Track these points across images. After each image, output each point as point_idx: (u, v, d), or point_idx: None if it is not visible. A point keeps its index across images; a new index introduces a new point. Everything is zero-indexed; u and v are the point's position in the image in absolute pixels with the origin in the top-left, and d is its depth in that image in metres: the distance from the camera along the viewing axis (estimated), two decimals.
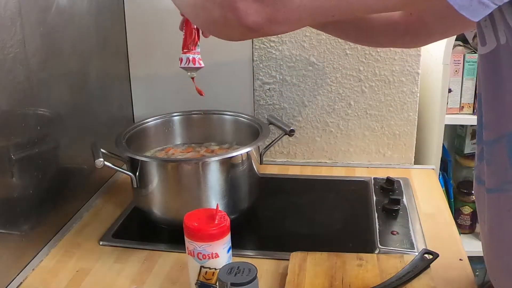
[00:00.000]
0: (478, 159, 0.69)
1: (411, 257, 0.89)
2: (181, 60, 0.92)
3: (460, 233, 1.06)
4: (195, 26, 0.89)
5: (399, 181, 1.20)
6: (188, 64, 0.90)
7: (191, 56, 0.90)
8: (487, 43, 0.61)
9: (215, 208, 0.82)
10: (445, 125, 1.45)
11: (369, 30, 0.89)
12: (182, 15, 0.90)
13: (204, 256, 0.79)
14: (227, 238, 0.81)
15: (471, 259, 0.97)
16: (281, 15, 0.57)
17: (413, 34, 0.87)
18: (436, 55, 1.38)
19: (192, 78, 0.95)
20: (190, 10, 0.69)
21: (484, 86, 0.64)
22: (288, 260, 0.90)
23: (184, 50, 0.90)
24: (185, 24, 0.90)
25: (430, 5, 0.76)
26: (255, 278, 0.72)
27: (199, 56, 0.91)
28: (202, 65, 0.92)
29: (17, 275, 0.91)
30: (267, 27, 0.58)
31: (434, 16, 0.81)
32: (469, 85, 1.59)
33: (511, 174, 0.61)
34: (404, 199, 1.13)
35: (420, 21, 0.84)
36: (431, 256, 0.89)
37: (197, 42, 0.90)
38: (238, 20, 0.57)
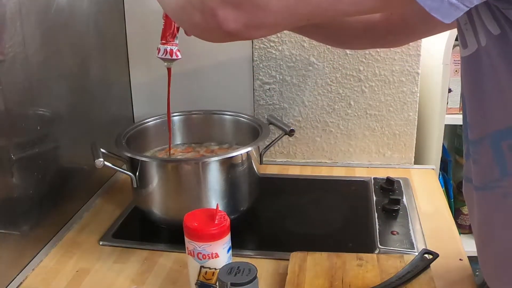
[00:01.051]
0: (465, 157, 0.70)
1: (411, 257, 0.89)
2: (158, 50, 0.93)
3: (460, 233, 1.06)
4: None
5: (399, 181, 1.20)
6: (165, 55, 0.92)
7: (168, 48, 0.92)
8: (468, 45, 0.61)
9: (215, 208, 0.82)
10: (445, 125, 1.45)
11: (348, 32, 0.90)
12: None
13: (204, 256, 0.79)
14: (227, 238, 0.81)
15: (471, 259, 0.97)
16: (258, 21, 0.60)
17: (395, 34, 0.87)
18: (436, 55, 1.38)
19: (168, 68, 0.96)
20: (173, 13, 0.72)
21: (466, 88, 0.65)
22: (288, 260, 0.90)
23: (162, 41, 0.92)
24: (165, 16, 0.91)
25: (402, 8, 0.76)
26: (255, 278, 0.72)
27: (176, 48, 0.93)
28: (179, 56, 0.94)
29: (17, 275, 0.91)
30: (246, 32, 0.61)
31: (416, 17, 0.82)
32: None
33: (496, 172, 0.62)
34: (404, 199, 1.13)
35: (402, 21, 0.84)
36: (431, 256, 0.89)
37: (175, 34, 0.91)
38: (217, 26, 0.61)
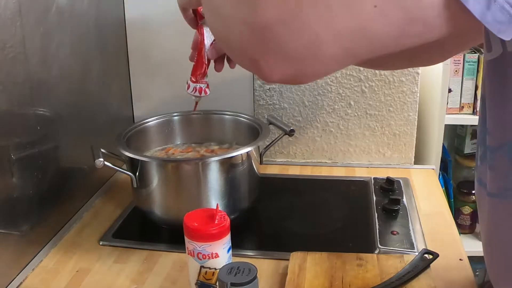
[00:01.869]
0: (480, 160, 0.69)
1: (411, 257, 0.89)
2: (188, 86, 0.95)
3: (460, 233, 1.06)
4: (206, 61, 0.92)
5: (399, 181, 1.20)
6: (194, 93, 0.95)
7: (198, 86, 0.94)
8: (492, 49, 0.60)
9: (215, 208, 0.82)
10: (445, 125, 1.45)
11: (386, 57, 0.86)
12: (193, 48, 0.93)
13: (204, 256, 0.79)
14: (227, 238, 0.81)
15: (471, 259, 0.97)
16: (309, 70, 0.52)
17: (430, 53, 0.83)
18: None
19: (196, 102, 0.99)
20: (227, 50, 0.64)
21: (489, 92, 0.63)
22: (288, 260, 0.90)
23: (193, 79, 0.94)
24: (197, 55, 0.92)
25: (468, 34, 0.70)
26: (255, 278, 0.72)
27: (206, 85, 0.95)
28: (208, 93, 0.96)
29: (17, 275, 0.91)
30: (295, 81, 0.55)
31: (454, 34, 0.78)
32: (469, 85, 1.59)
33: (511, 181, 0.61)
34: (404, 199, 1.13)
35: (437, 40, 0.80)
36: (431, 256, 0.89)
37: (206, 74, 0.94)
38: (262, 77, 0.54)
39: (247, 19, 0.51)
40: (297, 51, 0.49)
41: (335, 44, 0.48)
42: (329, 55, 0.49)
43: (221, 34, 0.59)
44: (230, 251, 0.82)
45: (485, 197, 0.67)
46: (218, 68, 0.95)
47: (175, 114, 1.20)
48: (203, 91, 0.95)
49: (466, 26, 0.49)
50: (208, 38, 0.91)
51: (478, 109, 1.59)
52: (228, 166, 1.00)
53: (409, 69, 1.25)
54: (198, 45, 0.92)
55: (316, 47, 0.48)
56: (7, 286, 0.88)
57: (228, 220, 0.81)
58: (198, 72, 0.93)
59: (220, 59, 0.94)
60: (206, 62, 0.93)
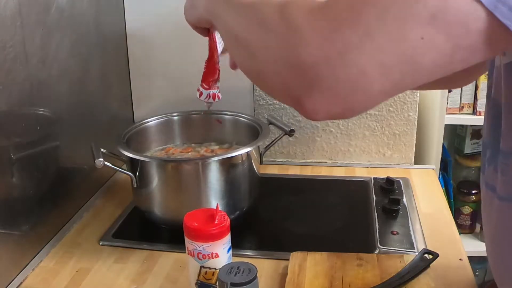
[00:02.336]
0: (488, 164, 0.68)
1: (411, 257, 0.89)
2: (200, 93, 0.95)
3: (460, 233, 1.06)
4: (218, 66, 0.92)
5: (399, 181, 1.20)
6: (208, 100, 0.95)
7: (211, 92, 0.94)
8: (506, 52, 0.59)
9: (215, 208, 0.82)
10: (445, 125, 1.45)
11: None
12: (211, 54, 0.91)
13: (204, 256, 0.79)
14: (227, 238, 0.81)
15: (471, 259, 0.97)
16: (356, 106, 0.50)
17: (456, 73, 0.82)
18: None
19: (209, 106, 0.99)
20: (260, 85, 0.61)
21: (506, 96, 0.62)
22: (288, 260, 0.90)
23: (205, 86, 0.94)
24: (209, 61, 0.92)
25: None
26: (255, 278, 0.72)
27: (218, 90, 0.95)
28: (220, 98, 0.96)
29: (17, 275, 0.91)
30: (340, 117, 0.53)
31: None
32: (469, 85, 1.58)
33: None
34: (404, 199, 1.13)
35: None
36: (431, 256, 0.89)
37: (218, 80, 0.94)
38: (307, 116, 0.53)
39: (289, 59, 0.50)
40: (344, 90, 0.48)
41: (383, 79, 0.47)
42: (377, 90, 0.48)
43: (252, 70, 0.58)
44: (230, 251, 0.82)
45: (493, 200, 0.66)
46: (233, 67, 0.90)
47: (175, 114, 1.20)
48: (216, 97, 0.95)
49: (509, 47, 0.49)
50: (220, 44, 0.91)
51: (478, 109, 1.60)
52: (228, 166, 1.00)
53: None
54: (209, 51, 0.91)
55: (364, 84, 0.48)
56: (7, 286, 0.88)
57: (228, 220, 0.81)
58: (211, 79, 0.93)
59: None
60: (219, 68, 0.92)
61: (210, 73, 0.92)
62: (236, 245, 0.84)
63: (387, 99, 0.52)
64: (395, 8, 0.46)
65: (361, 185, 1.22)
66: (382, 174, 1.23)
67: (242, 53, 0.60)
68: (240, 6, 0.61)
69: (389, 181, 1.18)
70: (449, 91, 1.48)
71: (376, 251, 0.95)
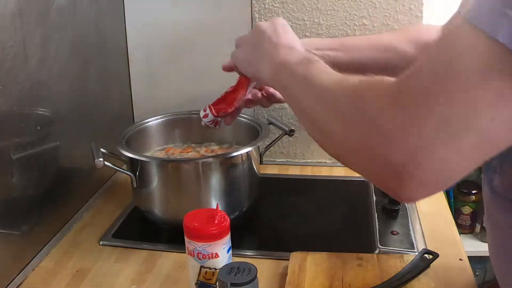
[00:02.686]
0: (488, 163, 0.68)
1: (411, 257, 0.89)
2: (206, 115, 0.95)
3: (460, 233, 1.06)
4: (238, 106, 0.94)
5: None
6: (210, 124, 0.96)
7: (217, 120, 0.96)
8: None
9: (215, 208, 0.82)
10: None
11: None
12: (236, 89, 0.93)
13: (204, 256, 0.79)
14: (227, 238, 0.81)
15: (471, 259, 0.97)
16: (445, 186, 0.53)
17: None
18: None
19: (206, 126, 0.99)
20: (350, 167, 0.61)
21: None
22: (288, 260, 0.90)
23: (214, 113, 0.95)
24: (231, 93, 0.94)
25: None
26: (255, 278, 0.72)
27: (222, 120, 0.97)
28: (222, 126, 0.98)
29: (17, 275, 0.91)
30: (436, 193, 0.55)
31: None
32: None
33: None
34: None
35: None
36: (431, 256, 0.89)
37: (228, 114, 0.95)
38: (400, 201, 0.56)
39: (375, 157, 0.52)
40: (431, 179, 0.51)
41: (465, 163, 0.50)
42: (460, 172, 0.51)
43: (330, 151, 0.61)
44: (230, 251, 0.82)
45: (494, 200, 0.66)
46: (227, 122, 0.96)
47: (175, 114, 1.20)
48: (218, 124, 0.96)
49: None
50: (249, 92, 0.94)
51: None
52: (228, 166, 1.00)
53: None
54: (237, 84, 0.93)
55: (448, 171, 0.51)
56: (7, 286, 0.88)
57: (228, 220, 0.81)
58: (223, 110, 0.94)
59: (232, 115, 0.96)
60: (237, 107, 0.94)
61: (226, 104, 0.94)
62: (236, 245, 0.84)
63: (468, 174, 0.54)
64: (462, 95, 0.47)
65: (361, 185, 1.22)
66: None
67: (318, 136, 0.62)
68: (312, 86, 0.63)
69: None
70: None
71: (376, 251, 0.95)
